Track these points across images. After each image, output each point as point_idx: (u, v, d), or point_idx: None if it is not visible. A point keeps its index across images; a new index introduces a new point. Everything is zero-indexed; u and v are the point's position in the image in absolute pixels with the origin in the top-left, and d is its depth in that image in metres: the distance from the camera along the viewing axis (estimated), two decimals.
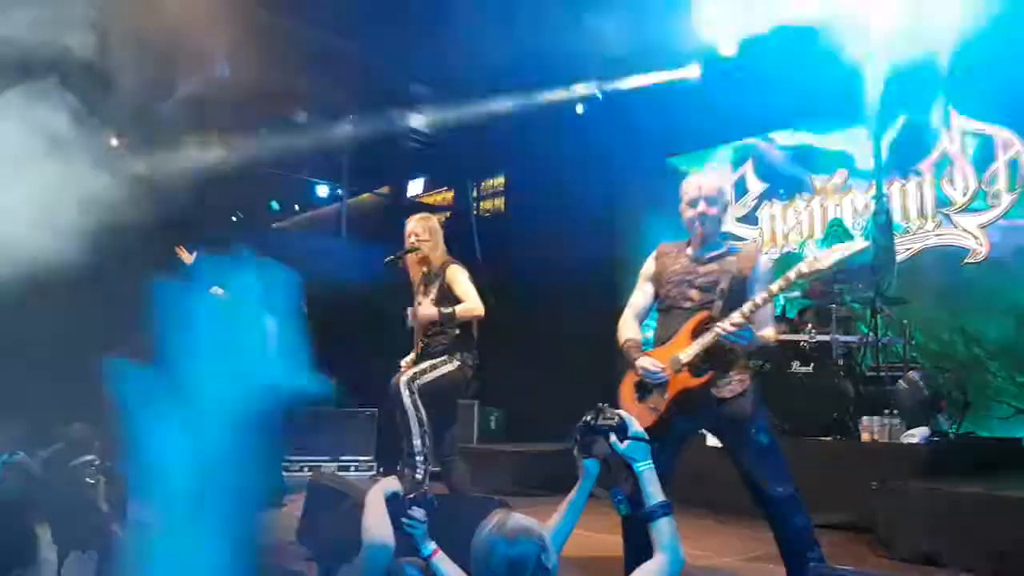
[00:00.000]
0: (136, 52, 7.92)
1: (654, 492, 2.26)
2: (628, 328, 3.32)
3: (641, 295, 3.36)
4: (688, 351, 3.01)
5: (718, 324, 2.90)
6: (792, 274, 2.79)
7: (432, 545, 2.53)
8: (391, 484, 2.59)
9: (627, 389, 3.21)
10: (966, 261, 6.63)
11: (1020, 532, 3.90)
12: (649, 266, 3.37)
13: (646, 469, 2.29)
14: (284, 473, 6.77)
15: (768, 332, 2.98)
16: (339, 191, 10.47)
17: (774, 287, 2.86)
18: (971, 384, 6.11)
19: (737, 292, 3.01)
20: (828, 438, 5.48)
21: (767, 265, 3.11)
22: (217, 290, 3.56)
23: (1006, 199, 6.44)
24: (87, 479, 4.50)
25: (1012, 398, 6.25)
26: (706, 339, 2.93)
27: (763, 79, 7.37)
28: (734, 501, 5.33)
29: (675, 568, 2.15)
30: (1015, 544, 3.88)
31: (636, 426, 2.34)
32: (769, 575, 3.79)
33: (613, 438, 2.30)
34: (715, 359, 2.93)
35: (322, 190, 11.33)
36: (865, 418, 5.36)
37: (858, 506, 4.71)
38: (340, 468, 7.88)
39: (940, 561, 4.07)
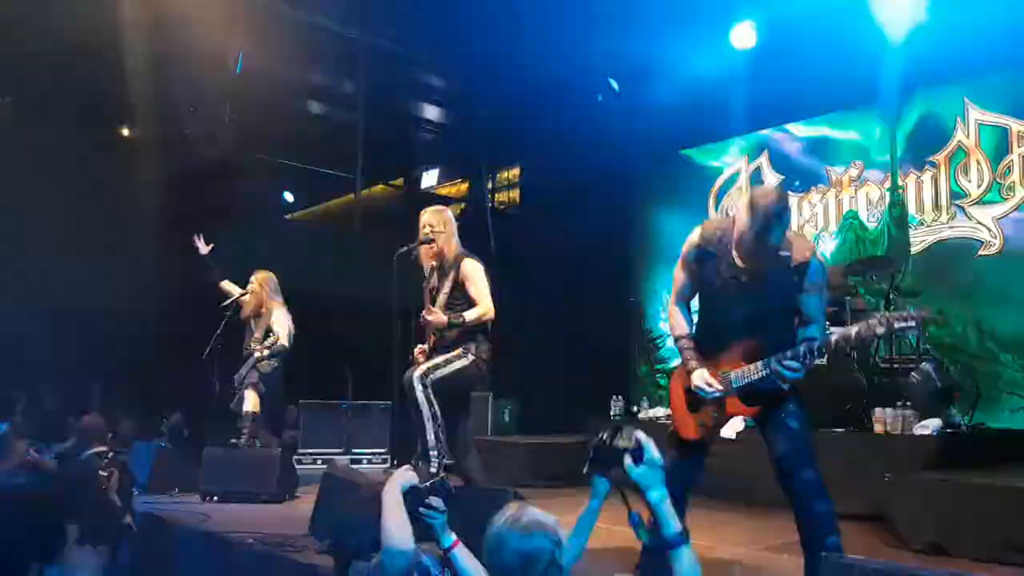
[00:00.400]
0: (149, 44, 8.03)
1: (671, 520, 2.14)
2: (678, 321, 3.20)
3: (687, 277, 3.17)
4: (740, 376, 2.97)
5: (772, 363, 2.82)
6: (853, 332, 2.72)
7: (452, 536, 2.51)
8: (407, 477, 2.55)
9: (679, 393, 3.16)
10: (980, 254, 6.63)
11: None
12: (692, 246, 3.14)
13: (660, 498, 2.16)
14: (298, 466, 6.81)
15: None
16: (353, 182, 10.51)
17: (833, 337, 2.78)
18: (983, 376, 6.14)
19: (792, 290, 2.92)
20: (841, 429, 5.51)
21: (821, 269, 2.95)
22: None
23: (1020, 192, 6.44)
24: (100, 471, 4.55)
25: (1023, 390, 6.26)
26: (759, 371, 2.90)
27: (779, 71, 7.38)
28: (750, 492, 5.43)
29: None
30: (1021, 531, 3.92)
31: (654, 451, 2.20)
32: (785, 564, 3.85)
33: (628, 461, 2.17)
34: (766, 389, 2.91)
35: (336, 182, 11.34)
36: (878, 409, 5.39)
37: (871, 497, 4.74)
38: (353, 461, 7.84)
39: (952, 551, 4.10)
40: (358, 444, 8.12)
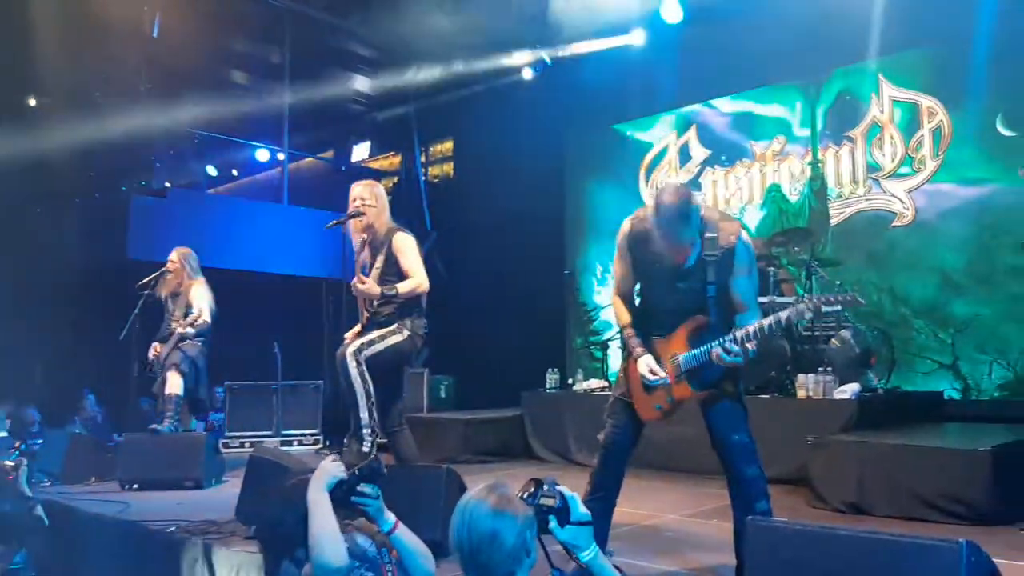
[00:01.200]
0: (63, 12, 7.62)
1: (609, 571, 2.04)
2: (622, 312, 3.27)
3: (623, 268, 3.24)
4: (688, 361, 3.03)
5: (716, 350, 2.88)
6: (784, 316, 2.78)
7: (391, 518, 2.48)
8: (332, 470, 2.44)
9: (636, 376, 3.19)
10: (894, 224, 6.91)
11: (940, 479, 4.16)
12: (624, 238, 3.20)
13: (593, 555, 2.02)
14: (224, 450, 6.58)
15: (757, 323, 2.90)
16: (280, 155, 10.27)
17: (766, 322, 2.81)
18: (898, 341, 6.43)
19: (723, 273, 2.99)
20: (766, 395, 5.72)
21: (747, 251, 3.01)
22: None
23: (930, 165, 6.71)
24: (6, 461, 4.31)
25: (935, 354, 6.59)
26: (703, 355, 2.96)
27: (706, 47, 7.48)
28: (681, 462, 5.59)
29: None
30: (935, 489, 4.15)
31: (581, 507, 2.04)
32: (713, 529, 3.98)
33: (553, 524, 2.00)
34: (712, 371, 2.96)
35: (263, 154, 11.08)
36: (800, 376, 5.59)
37: (794, 460, 4.94)
38: (284, 443, 7.65)
39: (869, 510, 4.32)
40: (288, 425, 7.95)
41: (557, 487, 2.05)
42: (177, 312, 6.25)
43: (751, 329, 2.84)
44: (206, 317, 6.13)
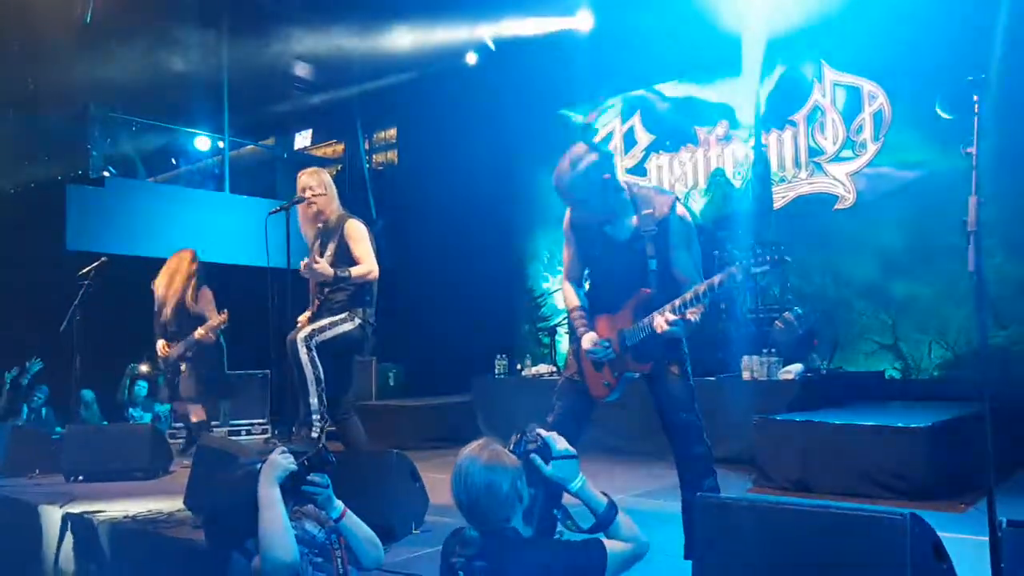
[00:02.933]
0: None
1: (599, 500, 2.23)
2: (570, 295, 3.27)
3: (570, 253, 3.28)
4: (631, 334, 3.02)
5: (655, 319, 2.87)
6: (716, 280, 2.77)
7: (339, 506, 2.49)
8: (282, 463, 2.42)
9: (585, 356, 3.18)
10: (836, 207, 7.03)
11: (882, 456, 4.25)
12: (567, 222, 3.23)
13: (581, 484, 2.23)
14: (171, 440, 6.55)
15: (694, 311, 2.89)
16: (220, 143, 10.01)
17: (701, 288, 2.79)
18: (840, 323, 6.56)
19: (662, 247, 3.00)
20: (712, 377, 5.78)
21: (682, 223, 3.01)
22: None
23: (871, 148, 6.84)
24: None
25: (876, 334, 6.73)
26: (643, 328, 2.95)
27: (649, 31, 7.50)
28: (629, 444, 5.63)
29: (643, 551, 2.24)
30: (878, 466, 4.24)
31: (559, 443, 2.25)
32: (661, 506, 4.00)
33: (539, 461, 2.21)
34: (655, 344, 2.95)
35: (202, 142, 10.79)
36: (745, 357, 5.67)
37: (740, 440, 5.01)
38: (231, 433, 7.59)
39: (814, 487, 4.39)
40: (236, 415, 7.85)
41: (537, 431, 2.27)
42: (182, 318, 6.12)
43: (687, 296, 2.83)
44: (223, 319, 6.03)
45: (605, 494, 2.26)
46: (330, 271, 4.19)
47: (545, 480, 2.22)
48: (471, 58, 8.87)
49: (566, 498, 2.28)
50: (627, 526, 2.23)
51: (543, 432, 2.27)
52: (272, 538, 2.29)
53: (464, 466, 2.13)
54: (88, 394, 7.68)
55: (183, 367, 6.08)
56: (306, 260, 4.19)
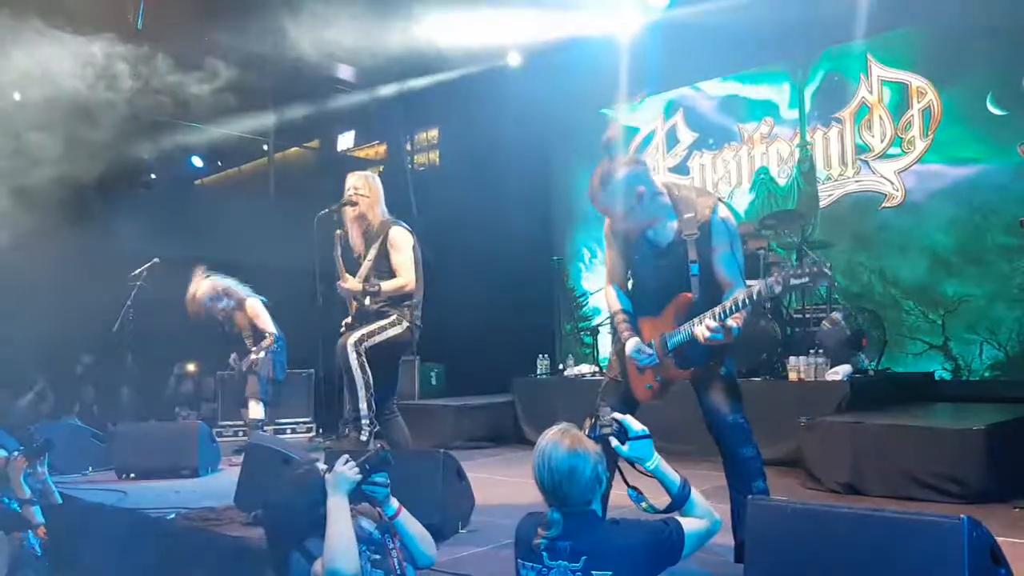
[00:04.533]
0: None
1: (673, 479, 2.31)
2: (612, 298, 3.27)
3: (612, 256, 3.28)
4: (672, 339, 3.02)
5: (696, 327, 2.87)
6: (755, 290, 2.75)
7: (395, 504, 2.55)
8: (348, 474, 2.46)
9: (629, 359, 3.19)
10: (883, 206, 6.91)
11: (933, 458, 4.17)
12: (608, 225, 3.23)
13: (656, 464, 2.32)
14: (218, 438, 6.68)
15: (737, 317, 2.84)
16: (266, 146, 10.17)
17: (740, 296, 2.77)
18: (888, 323, 6.45)
19: (704, 251, 2.98)
20: (758, 378, 5.73)
21: (724, 226, 2.99)
22: None
23: (920, 145, 6.71)
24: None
25: (925, 335, 6.61)
26: (684, 333, 2.95)
27: (692, 29, 7.44)
28: (676, 444, 5.60)
29: (716, 528, 2.31)
30: (929, 469, 4.16)
31: (634, 424, 2.34)
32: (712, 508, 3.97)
33: (615, 443, 2.30)
34: (697, 351, 2.95)
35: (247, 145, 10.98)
36: (792, 358, 5.61)
37: (788, 442, 4.95)
38: (277, 431, 7.64)
39: (863, 490, 4.33)
40: (280, 414, 7.95)
41: (611, 415, 2.35)
42: (245, 333, 6.40)
43: (727, 304, 2.82)
44: (272, 329, 6.33)
45: (678, 473, 2.32)
46: (358, 287, 4.23)
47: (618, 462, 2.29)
48: (513, 58, 8.88)
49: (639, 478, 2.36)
50: (702, 504, 2.30)
51: (617, 415, 2.35)
52: (337, 550, 2.34)
53: (548, 451, 2.19)
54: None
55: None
56: (340, 281, 4.25)
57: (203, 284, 6.32)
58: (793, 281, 2.67)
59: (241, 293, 6.40)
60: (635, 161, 3.02)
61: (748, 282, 2.94)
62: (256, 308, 6.38)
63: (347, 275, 4.29)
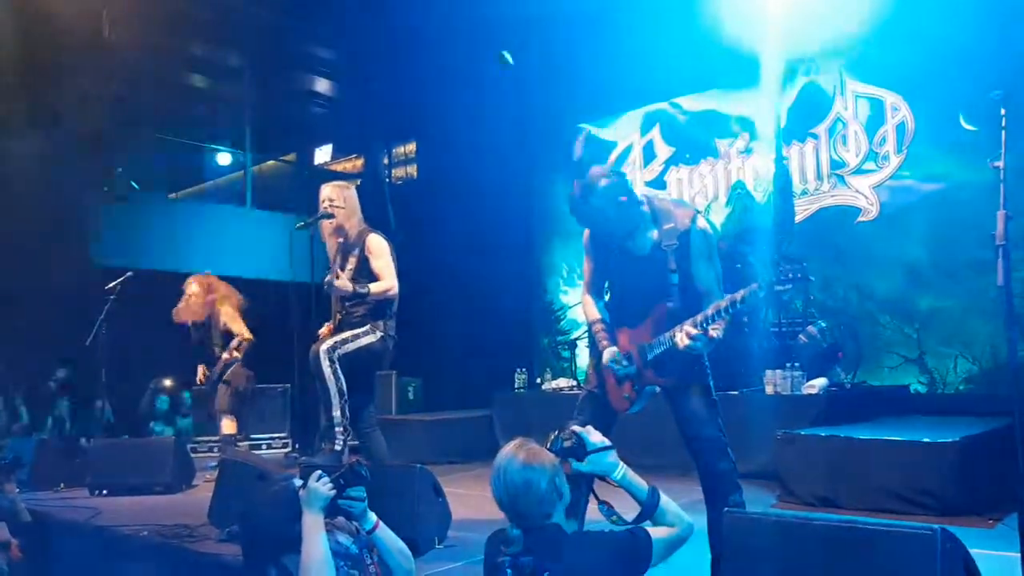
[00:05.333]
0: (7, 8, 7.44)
1: (640, 487, 2.29)
2: (590, 308, 3.28)
3: (590, 266, 3.29)
4: (650, 348, 3.03)
5: (676, 334, 2.88)
6: (739, 296, 2.75)
7: (373, 518, 2.52)
8: (323, 490, 2.42)
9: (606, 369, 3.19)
10: (859, 220, 7.00)
11: (909, 471, 4.21)
12: (587, 235, 3.25)
13: (622, 475, 2.30)
14: (193, 454, 6.61)
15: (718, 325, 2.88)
16: (242, 159, 10.13)
17: (723, 303, 2.77)
18: (864, 336, 6.52)
19: (683, 261, 3.00)
20: (734, 391, 5.76)
21: (703, 236, 3.00)
22: None
23: (894, 160, 6.81)
24: None
25: (901, 348, 6.68)
26: (663, 343, 2.96)
27: (669, 44, 7.51)
28: (650, 459, 5.60)
29: (688, 533, 2.29)
30: (905, 482, 4.20)
31: (593, 436, 2.32)
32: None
33: (573, 462, 2.29)
34: (676, 359, 2.96)
35: (223, 158, 10.94)
36: (768, 371, 5.64)
37: (764, 455, 4.98)
38: (252, 447, 7.60)
39: (839, 503, 4.35)
40: (256, 429, 7.89)
41: (569, 427, 2.34)
42: (215, 338, 6.32)
43: (709, 311, 2.83)
44: (247, 334, 6.22)
45: (647, 481, 2.31)
46: (350, 287, 4.21)
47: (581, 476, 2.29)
48: (490, 71, 8.89)
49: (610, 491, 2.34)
50: (672, 510, 2.28)
51: (577, 428, 2.34)
52: (311, 569, 2.32)
53: (502, 465, 2.19)
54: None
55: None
56: (327, 277, 4.22)
57: (197, 277, 6.42)
58: (777, 287, 2.70)
59: (224, 289, 6.42)
60: (614, 173, 3.04)
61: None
62: (235, 309, 6.35)
63: (340, 272, 4.27)
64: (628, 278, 3.16)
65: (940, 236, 6.50)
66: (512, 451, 2.21)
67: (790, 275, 2.70)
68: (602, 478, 2.31)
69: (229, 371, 6.23)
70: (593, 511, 2.63)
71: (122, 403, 7.89)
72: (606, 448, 2.31)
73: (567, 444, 2.29)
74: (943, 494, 4.10)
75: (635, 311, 3.13)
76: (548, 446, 2.29)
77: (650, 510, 2.27)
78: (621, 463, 2.31)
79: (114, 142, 9.03)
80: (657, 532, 2.23)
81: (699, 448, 3.02)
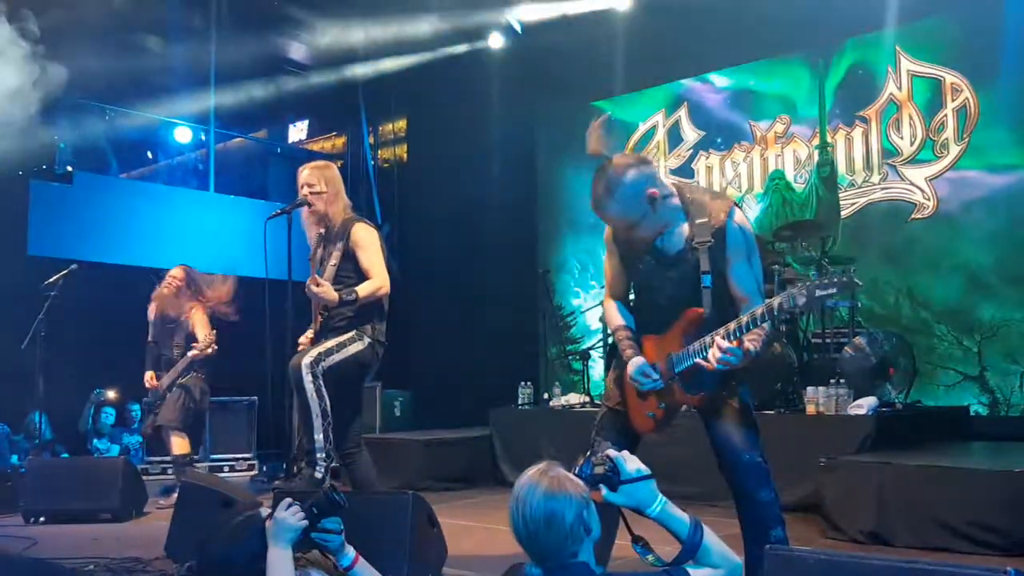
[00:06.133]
0: None
1: (681, 522, 2.26)
2: (613, 313, 3.30)
3: (613, 267, 3.30)
4: (680, 359, 3.04)
5: (707, 346, 2.88)
6: (776, 303, 2.76)
7: (351, 553, 2.53)
8: (291, 521, 2.44)
9: (629, 383, 3.19)
10: (913, 217, 7.04)
11: (969, 504, 4.24)
12: (609, 232, 3.26)
13: (660, 508, 2.27)
14: (144, 476, 6.61)
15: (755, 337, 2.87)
16: (204, 135, 10.14)
17: (759, 311, 2.77)
18: (918, 350, 6.55)
19: (718, 261, 3.00)
20: (771, 411, 5.79)
21: (740, 233, 3.01)
22: None
23: (954, 149, 6.86)
24: None
25: (959, 364, 6.74)
26: (693, 354, 2.97)
27: (699, 13, 7.54)
28: (681, 486, 5.63)
29: (736, 573, 2.28)
30: (964, 516, 4.23)
31: (630, 463, 2.28)
32: None
33: (604, 491, 2.26)
34: (707, 373, 2.97)
35: (183, 134, 10.94)
36: (810, 389, 5.68)
37: (804, 484, 5.01)
38: (213, 468, 7.67)
39: (891, 540, 4.39)
40: (218, 448, 7.90)
41: (606, 451, 2.30)
42: (177, 339, 6.37)
43: (744, 319, 2.83)
44: (212, 339, 6.28)
45: (687, 512, 2.29)
46: (334, 296, 4.15)
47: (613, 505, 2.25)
48: (495, 40, 8.93)
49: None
50: (717, 549, 2.25)
51: (612, 452, 2.30)
52: None
53: (522, 495, 2.14)
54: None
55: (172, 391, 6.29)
56: (308, 283, 4.20)
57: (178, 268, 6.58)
58: (818, 292, 2.69)
59: (203, 286, 6.54)
60: (641, 161, 3.05)
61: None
62: (205, 313, 6.44)
63: (321, 279, 4.18)
64: (655, 279, 3.16)
65: (1006, 236, 6.56)
66: (534, 478, 2.16)
67: (835, 279, 2.71)
68: (635, 510, 2.28)
69: (188, 376, 6.25)
70: (622, 548, 2.65)
71: (62, 417, 7.89)
72: (646, 478, 2.28)
73: (599, 470, 2.25)
74: (1009, 530, 4.13)
75: (662, 317, 3.14)
76: (576, 472, 2.25)
77: (692, 549, 2.23)
78: (660, 495, 2.28)
79: (54, 112, 9.04)
80: (700, 574, 2.21)
81: (736, 475, 3.04)
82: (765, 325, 2.85)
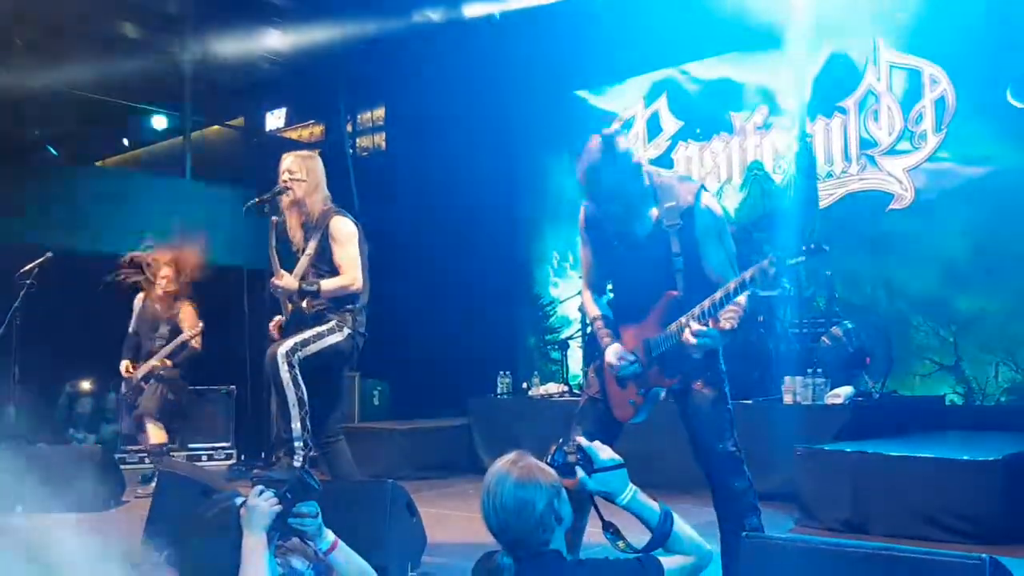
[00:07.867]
0: None
1: (652, 510, 2.28)
2: (590, 304, 3.32)
3: (589, 255, 3.32)
4: (656, 344, 3.05)
5: (682, 328, 2.89)
6: (748, 275, 2.75)
7: (330, 537, 2.52)
8: (264, 508, 2.42)
9: (609, 372, 3.21)
10: (890, 207, 7.08)
11: (945, 493, 4.29)
12: (583, 221, 3.27)
13: (631, 497, 2.28)
14: (122, 466, 6.60)
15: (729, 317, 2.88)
16: (180, 122, 10.06)
17: (732, 286, 2.75)
18: (894, 340, 6.60)
19: (688, 243, 3.02)
20: (748, 400, 5.82)
21: (709, 212, 3.02)
22: None
23: (932, 140, 6.89)
24: None
25: (935, 354, 6.79)
26: (668, 337, 2.98)
27: (679, 2, 7.55)
28: (655, 477, 5.66)
29: (706, 563, 2.29)
30: (940, 505, 4.28)
31: (602, 452, 2.31)
32: None
33: (580, 474, 2.28)
34: (684, 356, 2.97)
35: (159, 121, 10.86)
36: (787, 378, 5.71)
37: (780, 473, 5.05)
38: (190, 458, 7.63)
39: (866, 528, 4.43)
40: (195, 437, 7.87)
41: (574, 439, 2.33)
42: (162, 330, 6.41)
43: (716, 296, 2.82)
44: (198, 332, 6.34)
45: (658, 501, 2.31)
46: (294, 286, 4.18)
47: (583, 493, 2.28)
48: (473, 29, 8.86)
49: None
50: (687, 537, 2.28)
51: (583, 441, 2.33)
52: None
53: (493, 484, 2.17)
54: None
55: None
56: (273, 276, 4.22)
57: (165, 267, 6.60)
58: (789, 260, 2.69)
59: (186, 266, 6.61)
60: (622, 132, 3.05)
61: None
62: (193, 306, 6.50)
63: (282, 271, 4.23)
64: (629, 266, 3.17)
65: (983, 227, 6.59)
66: (505, 467, 2.18)
67: (803, 247, 2.71)
68: (606, 499, 2.30)
69: (166, 370, 6.24)
70: (594, 535, 2.67)
71: (38, 406, 7.82)
72: (617, 467, 2.30)
73: (571, 459, 2.28)
74: (984, 519, 4.19)
75: (639, 305, 3.15)
76: (548, 461, 2.28)
77: (662, 538, 2.26)
78: (631, 484, 2.30)
79: (30, 100, 8.94)
80: (670, 562, 2.23)
81: (712, 464, 3.06)
82: (741, 300, 2.84)
